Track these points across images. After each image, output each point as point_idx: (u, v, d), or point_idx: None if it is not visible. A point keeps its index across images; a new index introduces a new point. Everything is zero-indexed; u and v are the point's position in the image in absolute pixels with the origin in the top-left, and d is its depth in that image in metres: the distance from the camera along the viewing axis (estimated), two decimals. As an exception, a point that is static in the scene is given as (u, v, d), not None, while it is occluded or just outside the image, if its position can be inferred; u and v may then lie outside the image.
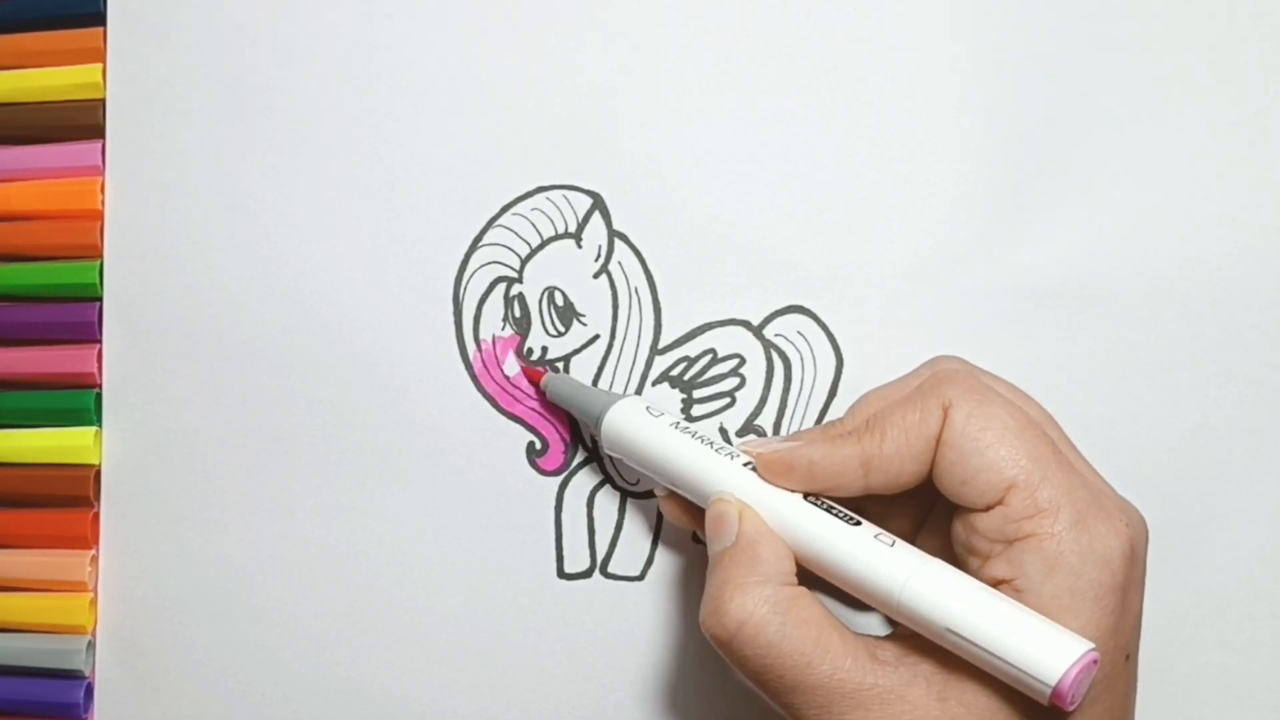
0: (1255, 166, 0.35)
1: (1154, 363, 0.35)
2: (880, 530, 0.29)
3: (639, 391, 0.36)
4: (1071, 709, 0.26)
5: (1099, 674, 0.27)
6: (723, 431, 0.36)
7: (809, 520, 0.30)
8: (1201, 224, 0.35)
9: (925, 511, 0.32)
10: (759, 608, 0.28)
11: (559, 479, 0.37)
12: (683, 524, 0.34)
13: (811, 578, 0.30)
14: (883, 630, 0.35)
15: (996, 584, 0.28)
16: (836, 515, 0.29)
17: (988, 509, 0.28)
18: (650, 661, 0.36)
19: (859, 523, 0.29)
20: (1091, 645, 0.26)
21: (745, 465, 0.31)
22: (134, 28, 0.38)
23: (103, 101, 0.38)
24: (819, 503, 0.30)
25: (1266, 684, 0.35)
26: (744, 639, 0.28)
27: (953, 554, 0.29)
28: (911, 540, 0.30)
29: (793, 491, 0.30)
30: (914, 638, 0.29)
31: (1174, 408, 0.35)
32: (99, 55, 0.38)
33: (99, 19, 0.38)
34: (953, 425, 0.28)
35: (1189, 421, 0.35)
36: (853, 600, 0.30)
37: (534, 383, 0.36)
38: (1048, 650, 0.26)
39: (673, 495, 0.33)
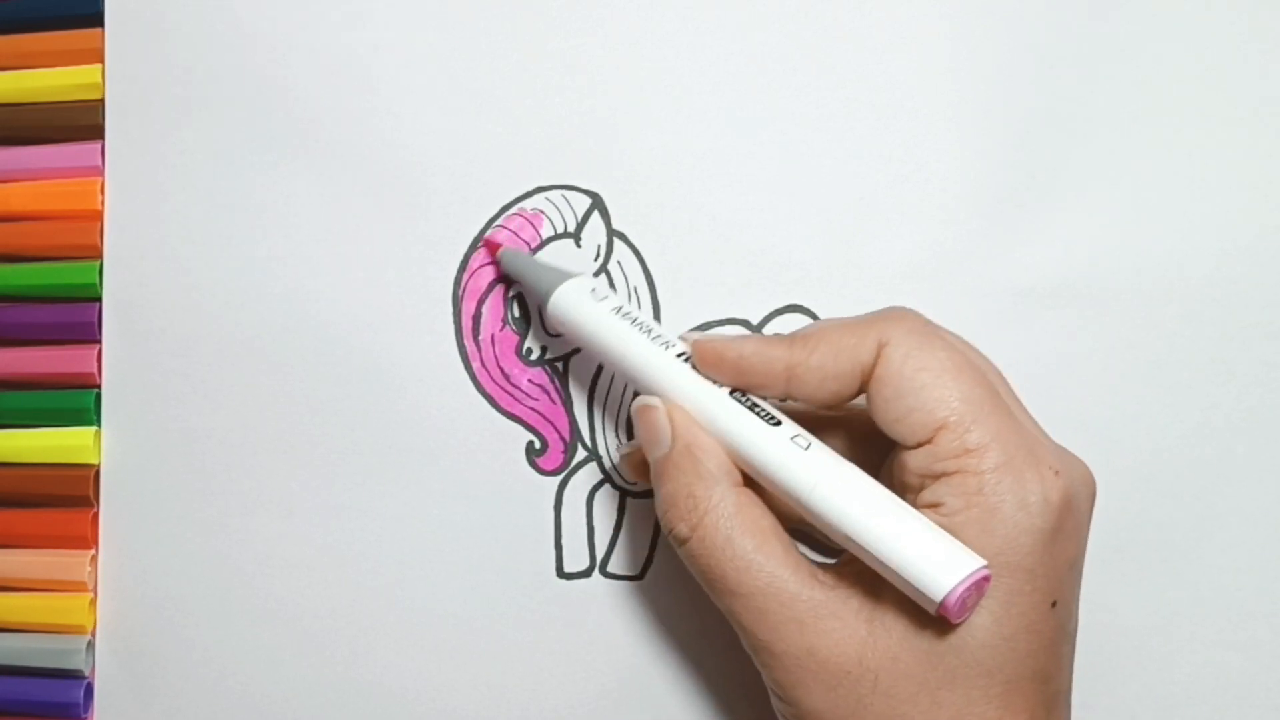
0: (1253, 166, 0.35)
1: (1154, 362, 0.35)
2: (800, 431, 0.30)
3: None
4: (958, 621, 0.27)
5: (1014, 611, 0.27)
6: None
7: (730, 416, 0.30)
8: (1201, 224, 0.35)
9: (880, 458, 0.33)
10: (709, 512, 0.29)
11: (558, 478, 0.37)
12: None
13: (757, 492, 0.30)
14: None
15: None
16: (758, 413, 0.30)
17: (917, 446, 0.28)
18: (650, 661, 0.36)
19: (779, 423, 0.30)
20: (983, 563, 0.26)
21: (679, 356, 0.31)
22: (133, 28, 0.38)
23: (102, 102, 0.38)
24: (744, 399, 0.30)
25: (1266, 684, 0.35)
26: (696, 540, 0.29)
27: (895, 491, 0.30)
28: (875, 472, 0.31)
29: (720, 386, 0.31)
30: (848, 565, 0.29)
31: (1174, 407, 0.35)
32: (98, 56, 0.38)
33: (98, 20, 0.38)
34: (889, 363, 0.29)
35: (1189, 421, 0.35)
36: (799, 533, 0.31)
37: (490, 255, 0.36)
38: (939, 563, 0.26)
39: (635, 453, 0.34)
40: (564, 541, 0.37)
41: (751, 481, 0.30)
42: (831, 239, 0.36)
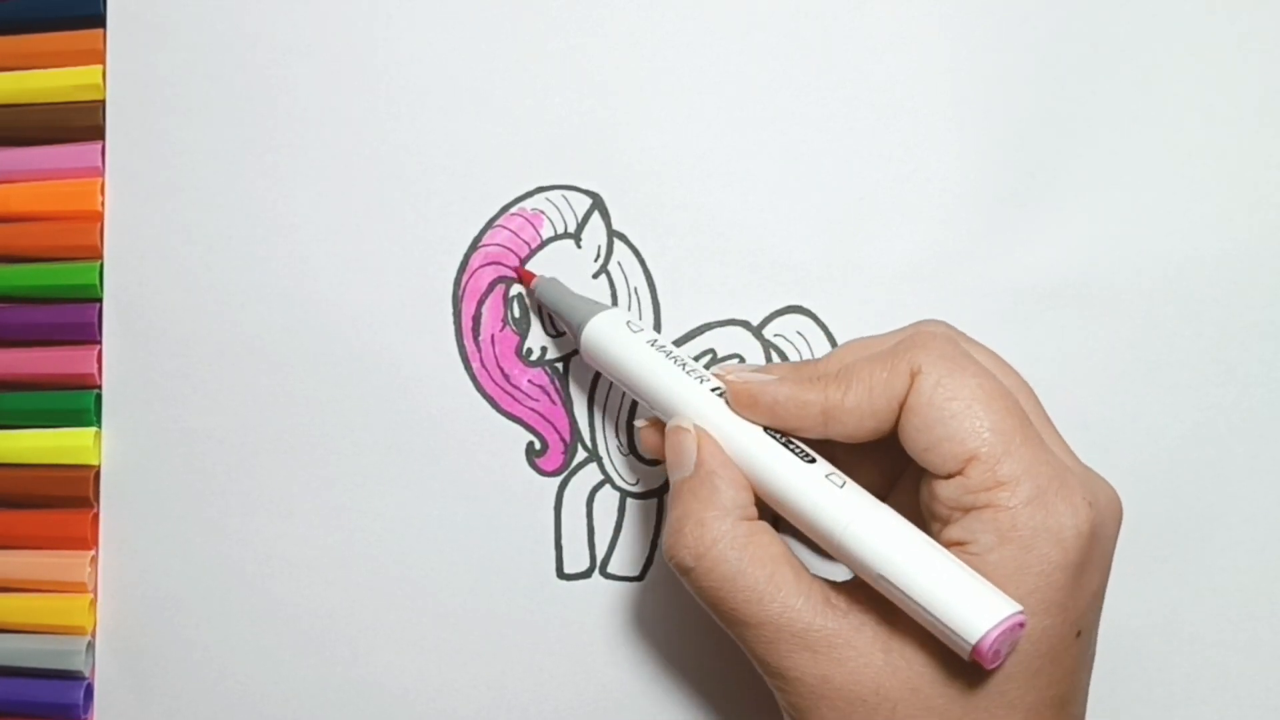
0: (1254, 166, 0.35)
1: (1154, 362, 0.35)
2: (834, 470, 0.29)
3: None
4: (992, 667, 0.26)
5: (1044, 646, 0.27)
6: None
7: (765, 453, 0.30)
8: (1201, 224, 0.35)
9: (900, 468, 0.32)
10: (717, 542, 0.29)
11: (558, 479, 0.37)
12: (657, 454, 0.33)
13: (778, 517, 0.30)
14: (843, 577, 0.35)
15: (949, 546, 0.28)
16: (793, 451, 0.30)
17: (948, 477, 0.28)
18: (650, 661, 0.36)
19: (813, 460, 0.29)
20: (1019, 608, 0.26)
21: (714, 390, 0.31)
22: (134, 29, 0.38)
23: (103, 103, 0.38)
24: (778, 437, 0.30)
25: (1266, 684, 0.35)
26: (702, 571, 0.29)
27: (920, 513, 0.30)
28: (884, 496, 0.30)
29: (755, 423, 0.30)
30: (866, 588, 0.29)
31: (1174, 407, 0.35)
32: (99, 57, 0.38)
33: (99, 20, 0.38)
34: (920, 392, 0.28)
35: (1189, 421, 0.35)
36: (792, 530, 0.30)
37: (525, 285, 0.36)
38: (973, 607, 0.26)
39: (653, 424, 0.33)
40: (564, 542, 0.37)
41: (769, 513, 0.30)
42: (831, 239, 0.36)
